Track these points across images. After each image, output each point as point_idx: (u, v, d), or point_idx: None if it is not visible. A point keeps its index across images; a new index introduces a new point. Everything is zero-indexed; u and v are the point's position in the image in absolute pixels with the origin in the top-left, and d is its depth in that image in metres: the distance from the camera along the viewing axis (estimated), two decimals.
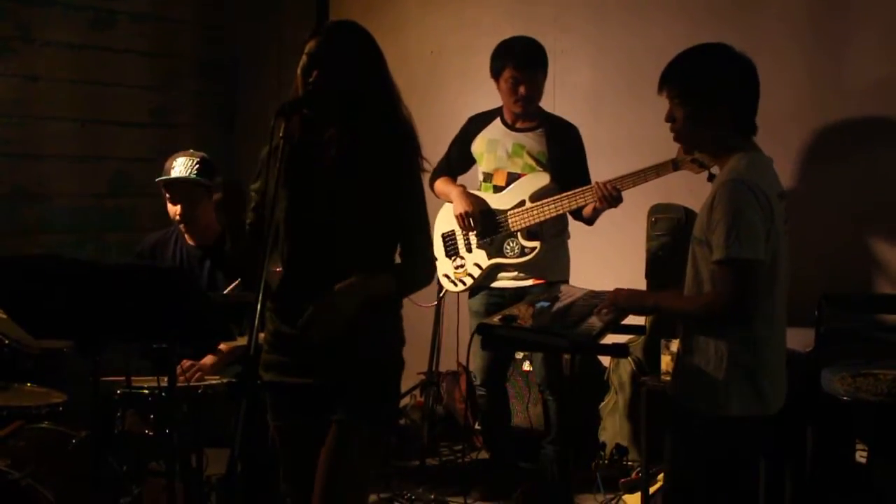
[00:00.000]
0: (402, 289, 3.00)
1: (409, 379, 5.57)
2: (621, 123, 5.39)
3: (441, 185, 4.81)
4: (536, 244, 4.63)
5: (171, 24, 6.45)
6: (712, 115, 2.97)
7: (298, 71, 2.90)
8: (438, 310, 5.33)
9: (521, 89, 4.59)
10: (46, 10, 5.75)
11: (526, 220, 4.60)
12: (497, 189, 4.73)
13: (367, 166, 2.90)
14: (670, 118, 3.05)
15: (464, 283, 4.79)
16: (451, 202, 4.75)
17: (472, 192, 4.76)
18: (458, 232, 4.76)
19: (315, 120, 2.90)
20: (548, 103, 5.18)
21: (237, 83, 6.83)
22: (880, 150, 4.78)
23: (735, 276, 2.83)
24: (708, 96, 2.97)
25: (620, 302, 3.14)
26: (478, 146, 4.81)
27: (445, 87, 5.76)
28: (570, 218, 4.73)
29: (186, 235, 4.27)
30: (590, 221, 4.62)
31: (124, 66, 6.17)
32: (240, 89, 6.82)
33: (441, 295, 5.15)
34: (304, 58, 2.89)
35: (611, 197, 4.34)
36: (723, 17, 5.11)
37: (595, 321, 3.04)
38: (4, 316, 3.33)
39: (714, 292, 2.89)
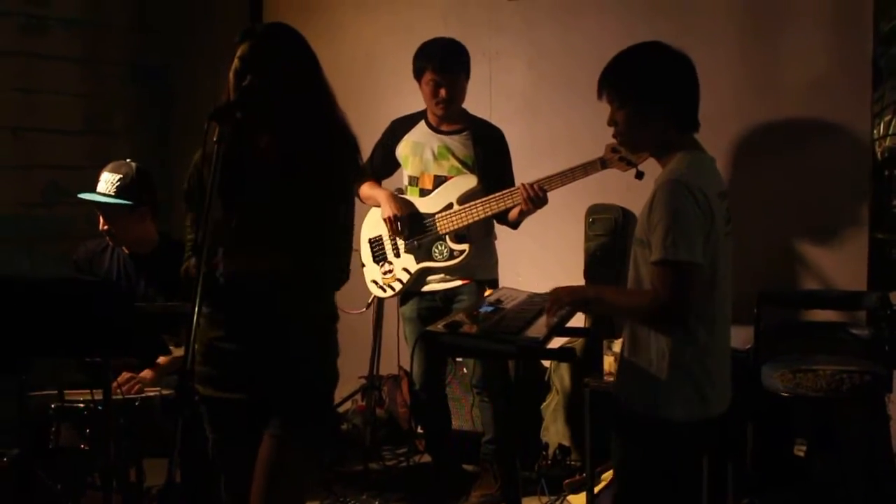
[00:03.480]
0: (299, 272, 2.82)
1: (350, 383, 5.47)
2: (560, 122, 5.29)
3: (367, 189, 4.64)
4: (465, 247, 4.51)
5: (103, 31, 6.24)
6: (652, 114, 2.87)
7: (230, 74, 2.77)
8: (379, 314, 5.19)
9: (442, 92, 4.49)
10: None
11: (454, 222, 4.48)
12: (424, 192, 4.60)
13: (302, 172, 2.78)
14: (612, 122, 2.95)
15: (392, 289, 4.65)
16: (378, 206, 4.61)
17: (399, 195, 4.64)
18: (386, 237, 4.63)
19: (248, 124, 2.77)
20: (484, 105, 5.10)
21: (171, 89, 6.63)
22: (813, 149, 4.75)
23: (671, 277, 2.72)
24: (646, 97, 2.87)
25: (563, 297, 3.03)
26: (403, 149, 4.68)
27: (381, 90, 5.62)
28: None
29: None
30: (515, 225, 4.52)
31: (57, 73, 5.96)
32: (174, 95, 6.62)
33: (370, 302, 5.00)
34: (235, 61, 2.77)
35: (536, 198, 4.24)
36: (659, 14, 5.04)
37: (540, 325, 2.93)
38: None
39: (651, 292, 2.79)
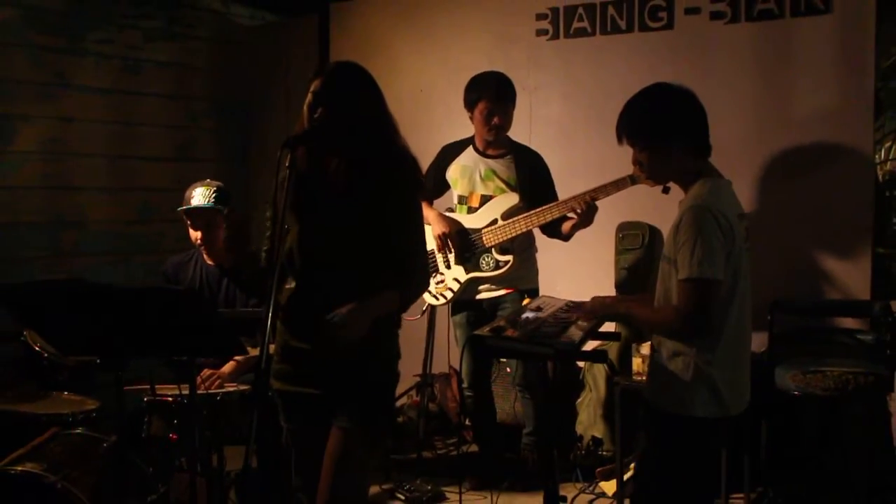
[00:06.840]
0: (404, 304, 2.90)
1: (405, 380, 5.43)
2: (591, 149, 5.24)
3: None
4: (509, 258, 4.50)
5: (190, 71, 6.33)
6: (671, 151, 2.84)
7: (304, 108, 2.77)
8: (431, 318, 5.18)
9: (495, 120, 4.47)
10: (81, 59, 5.63)
11: (499, 236, 4.47)
12: (471, 210, 4.60)
13: (369, 194, 2.79)
14: (637, 163, 2.94)
15: (444, 297, 4.65)
16: (428, 224, 4.60)
17: (446, 214, 4.65)
18: (437, 251, 4.62)
19: (319, 152, 2.77)
20: (524, 134, 5.08)
21: (249, 122, 6.69)
22: (822, 173, 4.71)
23: (695, 293, 2.70)
24: (662, 136, 2.85)
25: (597, 309, 3.02)
26: (452, 172, 4.68)
27: (435, 121, 5.61)
28: (535, 234, 4.61)
29: (206, 256, 4.15)
30: (567, 238, 4.47)
31: (150, 108, 6.05)
32: (251, 127, 6.68)
33: (424, 309, 5.00)
34: (309, 96, 2.77)
35: (587, 205, 4.19)
36: (682, 55, 5.01)
37: (576, 329, 2.90)
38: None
39: (676, 307, 2.77)
